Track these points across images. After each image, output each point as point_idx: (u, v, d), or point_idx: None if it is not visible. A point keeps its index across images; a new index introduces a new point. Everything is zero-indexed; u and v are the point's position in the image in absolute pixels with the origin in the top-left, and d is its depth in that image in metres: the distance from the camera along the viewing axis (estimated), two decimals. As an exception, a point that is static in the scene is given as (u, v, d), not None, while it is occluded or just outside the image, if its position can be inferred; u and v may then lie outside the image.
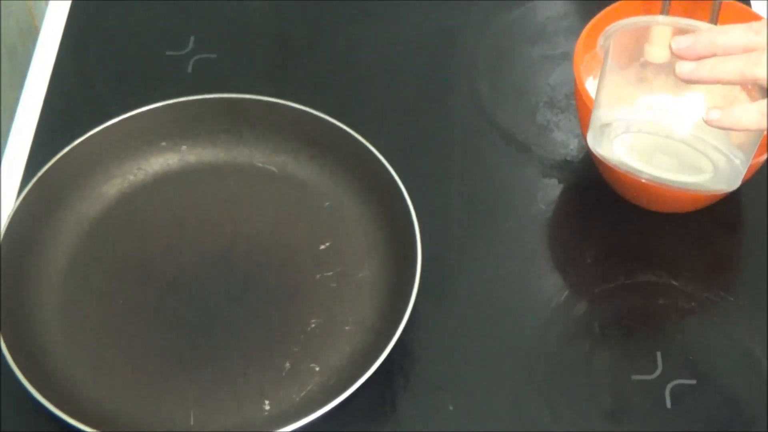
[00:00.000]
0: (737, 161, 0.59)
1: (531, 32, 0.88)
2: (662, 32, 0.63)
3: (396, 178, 0.72)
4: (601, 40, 0.64)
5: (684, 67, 0.57)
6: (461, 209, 0.77)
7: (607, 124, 0.61)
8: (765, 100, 0.56)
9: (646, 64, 0.64)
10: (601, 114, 0.61)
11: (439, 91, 0.84)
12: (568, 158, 0.80)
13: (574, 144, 0.81)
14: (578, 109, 0.74)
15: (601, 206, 0.77)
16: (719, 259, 0.74)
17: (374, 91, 0.84)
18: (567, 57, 0.85)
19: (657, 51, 0.64)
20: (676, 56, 0.58)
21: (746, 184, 0.72)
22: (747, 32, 0.56)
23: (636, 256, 0.74)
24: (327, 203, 0.75)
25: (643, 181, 0.64)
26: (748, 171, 0.63)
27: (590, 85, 0.75)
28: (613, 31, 0.63)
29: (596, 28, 0.72)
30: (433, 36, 0.87)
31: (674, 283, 0.73)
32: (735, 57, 0.56)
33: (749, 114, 0.56)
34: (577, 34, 0.73)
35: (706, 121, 0.57)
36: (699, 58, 0.57)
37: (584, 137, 0.70)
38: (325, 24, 0.87)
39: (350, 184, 0.76)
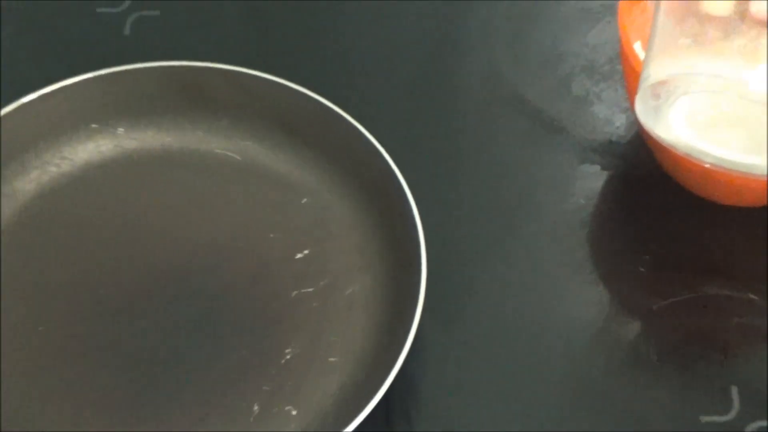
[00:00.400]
0: None
1: None
2: None
3: (394, 168, 0.72)
4: None
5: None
6: (476, 207, 0.77)
7: (661, 85, 0.60)
8: None
9: (705, 20, 0.62)
10: (652, 72, 0.60)
11: (449, 60, 0.84)
12: (614, 139, 0.79)
13: (620, 120, 0.80)
14: (625, 75, 0.74)
15: (657, 199, 0.76)
16: None
17: (368, 62, 0.84)
18: (609, 11, 0.85)
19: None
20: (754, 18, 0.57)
21: None
22: None
23: (703, 264, 0.74)
24: (304, 199, 0.75)
25: (707, 167, 0.64)
26: None
27: (639, 49, 0.75)
28: None
29: None
30: (443, 2, 0.87)
31: (753, 297, 0.73)
32: None
33: None
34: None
35: None
36: None
37: (632, 109, 0.69)
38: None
39: (335, 177, 0.75)
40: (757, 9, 0.56)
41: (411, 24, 0.86)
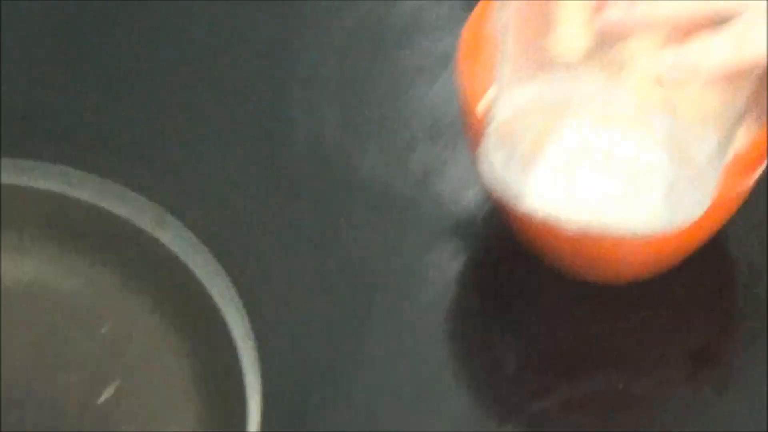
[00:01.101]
0: (701, 156, 0.58)
1: (394, 31, 0.87)
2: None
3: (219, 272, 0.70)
4: (495, 21, 0.63)
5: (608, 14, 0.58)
6: (319, 312, 0.75)
7: (509, 131, 0.60)
8: (740, 25, 0.56)
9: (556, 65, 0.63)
10: (497, 112, 0.61)
11: (270, 133, 0.82)
12: (467, 215, 0.78)
13: (472, 192, 0.79)
14: (470, 138, 0.71)
15: (522, 283, 0.75)
16: (699, 342, 0.74)
17: (169, 140, 0.81)
18: (448, 63, 0.82)
19: (569, 40, 0.62)
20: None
21: (734, 229, 0.73)
22: None
23: (580, 354, 0.73)
24: (104, 329, 0.71)
25: (571, 235, 0.62)
26: (733, 195, 0.65)
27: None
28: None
29: (488, 12, 0.71)
30: (257, 53, 0.86)
31: (638, 385, 0.72)
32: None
33: (718, 48, 0.55)
34: (460, 28, 0.72)
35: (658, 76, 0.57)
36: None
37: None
38: (90, 28, 0.86)
39: (142, 294, 0.71)
40: (605, 23, 0.58)
41: (222, 97, 0.85)
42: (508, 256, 0.75)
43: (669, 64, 0.58)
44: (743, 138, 0.64)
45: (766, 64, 0.58)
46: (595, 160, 0.61)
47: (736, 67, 0.57)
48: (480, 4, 0.72)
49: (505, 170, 0.61)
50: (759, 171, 0.67)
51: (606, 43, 0.61)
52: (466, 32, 0.71)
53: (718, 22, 0.59)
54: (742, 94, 0.60)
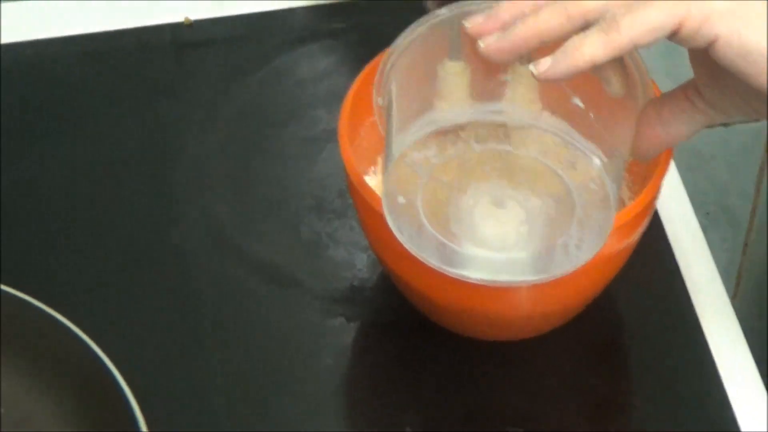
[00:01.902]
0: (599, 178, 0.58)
1: (277, 105, 0.87)
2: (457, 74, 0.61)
3: (107, 362, 0.67)
4: (378, 88, 0.63)
5: (489, 40, 0.58)
6: (212, 393, 0.73)
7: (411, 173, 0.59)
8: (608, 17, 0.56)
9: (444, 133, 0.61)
10: (395, 150, 0.60)
11: (155, 217, 0.81)
12: (356, 284, 0.77)
13: (361, 262, 0.78)
14: (357, 207, 0.71)
15: (415, 348, 0.75)
16: (598, 393, 0.74)
17: (48, 231, 0.80)
18: (333, 135, 0.80)
19: (452, 104, 0.61)
20: (483, 54, 0.58)
21: (623, 280, 0.72)
22: None
23: (479, 413, 0.72)
24: (2, 410, 0.69)
25: (472, 282, 0.62)
26: (619, 251, 0.67)
27: (374, 180, 0.75)
28: (390, 65, 0.62)
29: (367, 85, 0.69)
30: (139, 140, 0.85)
31: None
32: (552, 4, 0.56)
33: (589, 39, 0.56)
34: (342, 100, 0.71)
35: (537, 76, 0.57)
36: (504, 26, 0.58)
37: (372, 247, 0.73)
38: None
39: (35, 379, 0.70)
40: (486, 50, 0.58)
41: (105, 182, 0.84)
42: (402, 319, 0.75)
43: (547, 62, 0.57)
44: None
45: (631, 50, 0.57)
46: (493, 213, 0.62)
47: (606, 55, 0.57)
48: (360, 77, 0.72)
49: (413, 240, 0.62)
50: (643, 227, 0.68)
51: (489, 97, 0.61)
52: (346, 106, 0.71)
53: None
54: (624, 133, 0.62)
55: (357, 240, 0.79)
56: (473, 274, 0.62)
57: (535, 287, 0.67)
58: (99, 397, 0.68)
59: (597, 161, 0.58)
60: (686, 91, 0.59)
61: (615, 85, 0.60)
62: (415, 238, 0.62)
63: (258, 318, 0.77)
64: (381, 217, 0.65)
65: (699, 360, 0.73)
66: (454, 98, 0.62)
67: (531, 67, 0.57)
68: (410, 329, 0.75)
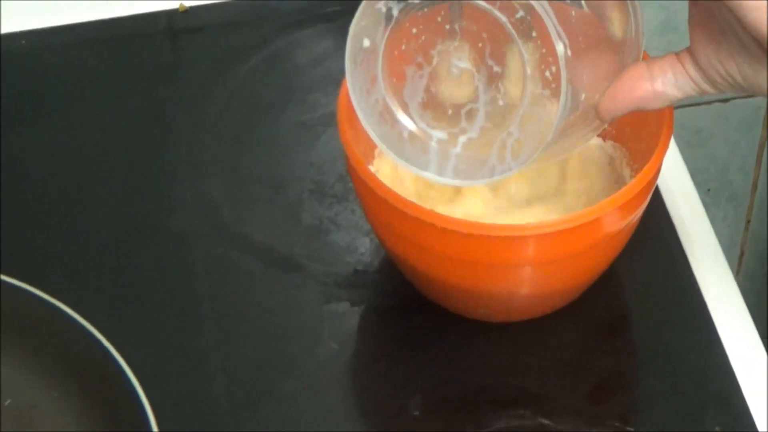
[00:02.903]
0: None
1: (273, 90, 0.87)
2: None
3: (110, 348, 0.68)
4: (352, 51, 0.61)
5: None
6: (217, 380, 0.73)
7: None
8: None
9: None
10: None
11: (152, 203, 0.81)
12: (359, 268, 0.78)
13: (363, 246, 0.78)
14: (359, 193, 0.71)
15: (420, 330, 0.75)
16: (600, 375, 0.73)
17: (45, 218, 0.81)
18: (331, 121, 0.83)
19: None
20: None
21: (628, 258, 0.73)
22: None
23: (485, 395, 0.72)
24: (8, 400, 0.69)
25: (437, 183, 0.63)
26: (622, 229, 0.66)
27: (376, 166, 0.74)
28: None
29: None
30: (135, 126, 0.86)
31: (546, 422, 0.71)
32: None
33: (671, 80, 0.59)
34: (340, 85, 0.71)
35: (599, 113, 0.59)
36: None
37: (372, 225, 0.72)
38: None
39: (41, 369, 0.70)
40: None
41: (92, 167, 0.84)
42: (405, 303, 0.75)
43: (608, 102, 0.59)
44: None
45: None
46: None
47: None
48: None
49: (362, 96, 0.62)
50: (644, 205, 0.69)
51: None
52: (344, 89, 0.70)
53: None
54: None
55: (359, 224, 0.79)
56: (396, 157, 0.62)
57: (538, 268, 0.68)
58: (103, 384, 0.68)
59: (561, 47, 0.58)
60: (679, 56, 0.60)
61: (615, 25, 0.61)
62: (365, 95, 0.62)
63: (260, 303, 0.77)
64: (384, 202, 0.66)
65: (704, 336, 0.74)
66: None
67: None
68: (415, 312, 0.75)
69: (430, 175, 0.62)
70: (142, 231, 0.80)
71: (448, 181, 0.62)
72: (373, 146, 0.74)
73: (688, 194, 0.81)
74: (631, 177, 0.73)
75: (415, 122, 0.63)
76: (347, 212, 0.80)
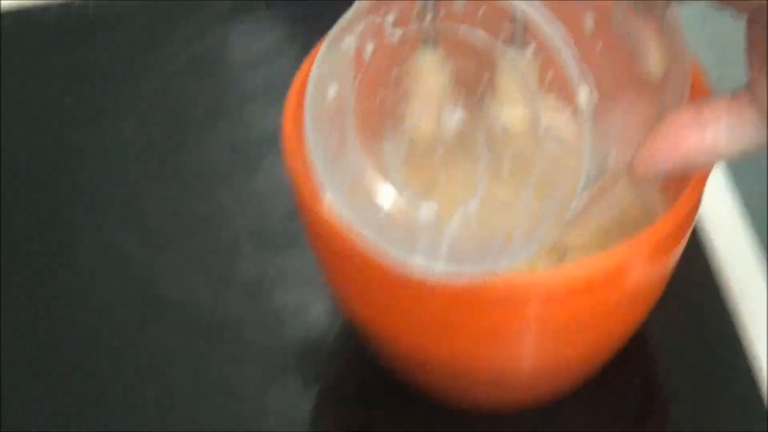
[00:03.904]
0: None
1: (198, 103, 0.88)
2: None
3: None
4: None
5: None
6: None
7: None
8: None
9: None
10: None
11: (48, 253, 0.83)
12: (312, 335, 0.79)
13: (318, 305, 0.80)
14: (310, 237, 0.71)
15: (393, 419, 0.75)
16: None
17: None
18: (274, 141, 0.80)
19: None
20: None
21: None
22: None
23: None
24: None
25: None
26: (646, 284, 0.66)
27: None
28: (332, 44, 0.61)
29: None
30: (24, 148, 0.87)
31: None
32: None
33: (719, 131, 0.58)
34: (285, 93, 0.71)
35: (633, 174, 0.59)
36: None
37: (324, 278, 0.72)
38: None
39: None
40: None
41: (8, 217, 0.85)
42: (371, 384, 0.76)
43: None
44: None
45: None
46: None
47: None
48: (308, 61, 0.72)
49: (327, 159, 0.62)
50: (680, 248, 0.69)
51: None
52: (292, 99, 0.71)
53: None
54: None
55: (311, 278, 0.80)
56: (377, 241, 0.62)
57: (544, 335, 0.68)
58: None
59: (585, 94, 0.57)
60: (737, 97, 0.60)
61: (652, 59, 0.60)
62: (331, 161, 0.62)
63: (182, 381, 0.77)
64: (343, 248, 0.66)
65: (758, 427, 0.74)
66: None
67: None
68: (383, 397, 0.76)
69: (418, 263, 0.62)
70: (32, 290, 0.81)
71: (439, 269, 0.62)
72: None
73: (740, 233, 0.81)
74: (665, 206, 0.73)
75: (396, 192, 0.63)
76: (296, 262, 0.81)
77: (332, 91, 0.61)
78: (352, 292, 0.70)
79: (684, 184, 0.67)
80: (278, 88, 0.79)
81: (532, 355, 0.70)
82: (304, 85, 0.70)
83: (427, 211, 0.62)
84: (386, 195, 0.63)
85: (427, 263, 0.61)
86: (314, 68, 0.60)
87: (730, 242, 0.81)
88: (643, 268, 0.67)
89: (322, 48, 0.60)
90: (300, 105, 0.70)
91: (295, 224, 0.80)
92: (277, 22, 0.91)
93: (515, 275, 0.67)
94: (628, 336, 0.72)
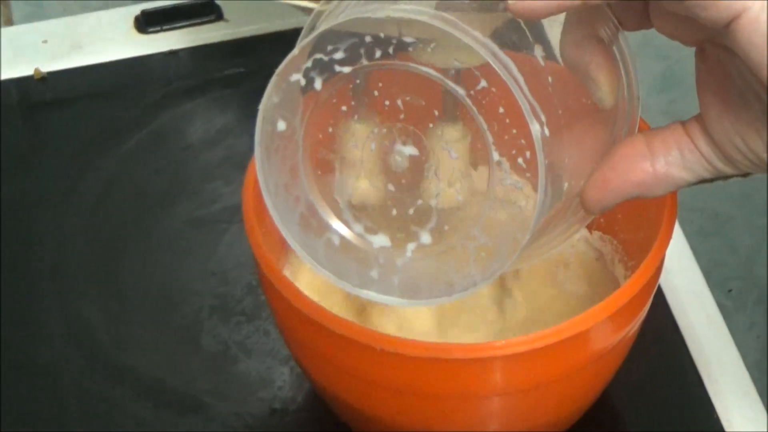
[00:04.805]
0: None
1: (159, 178, 0.88)
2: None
3: None
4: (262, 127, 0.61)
5: None
6: None
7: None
8: None
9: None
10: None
11: (7, 330, 0.82)
12: (277, 406, 0.78)
13: (282, 377, 0.79)
14: (273, 309, 0.71)
15: None
16: None
17: None
18: (235, 215, 0.84)
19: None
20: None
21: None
22: None
23: None
24: None
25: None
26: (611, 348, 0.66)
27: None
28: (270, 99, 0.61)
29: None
30: None
31: None
32: None
33: None
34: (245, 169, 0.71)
35: (511, 7, 0.56)
36: None
37: (292, 351, 0.71)
38: None
39: None
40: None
41: None
42: None
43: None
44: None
45: None
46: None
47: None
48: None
49: (277, 194, 0.62)
50: (642, 314, 0.69)
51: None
52: (251, 174, 0.71)
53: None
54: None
55: (275, 349, 0.80)
56: (326, 272, 0.62)
57: (509, 398, 0.68)
58: None
59: (537, 127, 0.57)
60: (687, 126, 0.59)
61: (603, 89, 0.60)
62: (281, 193, 0.62)
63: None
64: (306, 319, 0.66)
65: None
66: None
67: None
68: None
69: (370, 295, 0.62)
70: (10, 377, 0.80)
71: (393, 301, 0.62)
72: (290, 248, 0.74)
73: (701, 297, 0.82)
74: (626, 277, 0.73)
75: (348, 226, 0.63)
76: (259, 334, 0.81)
77: (282, 124, 0.61)
78: (314, 360, 0.70)
79: (644, 250, 0.68)
80: (237, 165, 0.80)
81: (498, 418, 0.70)
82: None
83: (378, 244, 0.62)
84: (336, 227, 0.63)
85: (380, 295, 0.62)
86: (263, 102, 0.61)
87: (694, 305, 0.81)
88: (606, 333, 0.67)
89: (271, 82, 0.60)
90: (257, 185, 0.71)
91: (256, 297, 0.82)
92: (233, 98, 0.91)
93: (481, 343, 0.67)
94: (592, 399, 0.72)
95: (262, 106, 0.61)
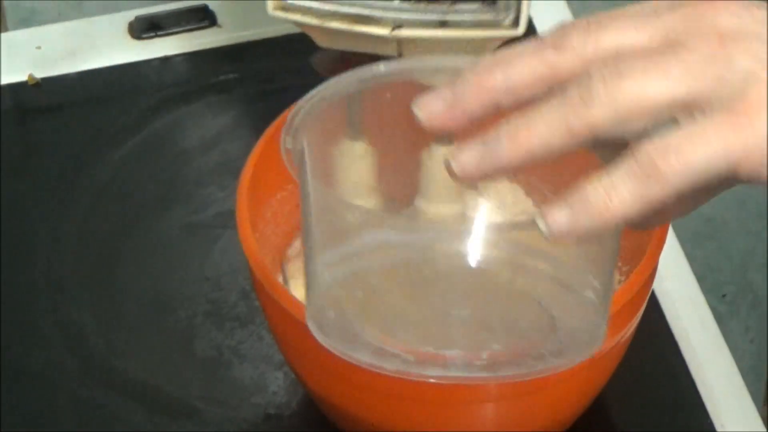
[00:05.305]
0: (590, 294, 0.57)
1: (153, 183, 0.88)
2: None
3: None
4: (286, 143, 0.61)
5: (464, 158, 0.55)
6: None
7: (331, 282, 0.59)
8: (624, 164, 0.54)
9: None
10: (320, 270, 0.59)
11: (3, 336, 0.81)
12: (271, 411, 0.78)
13: (276, 382, 0.79)
14: (267, 314, 0.72)
15: None
16: None
17: None
18: (229, 220, 0.80)
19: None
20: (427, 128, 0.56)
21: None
22: (543, 49, 0.54)
23: None
24: None
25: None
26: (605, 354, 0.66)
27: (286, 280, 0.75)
28: (301, 119, 0.60)
29: (272, 150, 0.67)
30: None
31: None
32: (548, 106, 0.54)
33: (625, 188, 0.54)
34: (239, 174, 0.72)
35: (549, 234, 0.54)
36: (472, 117, 0.55)
37: (288, 361, 0.71)
38: None
39: None
40: (459, 165, 0.55)
41: None
42: None
43: (561, 216, 0.54)
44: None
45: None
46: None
47: (641, 209, 0.55)
48: (260, 143, 0.73)
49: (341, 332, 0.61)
50: (636, 319, 0.69)
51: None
52: (245, 180, 0.71)
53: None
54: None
55: (269, 354, 0.80)
56: (422, 370, 0.61)
57: (504, 403, 0.68)
58: None
59: (591, 294, 0.57)
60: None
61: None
62: (349, 348, 0.62)
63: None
64: (299, 324, 0.66)
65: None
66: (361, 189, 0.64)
67: (540, 223, 0.55)
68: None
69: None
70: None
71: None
72: (284, 253, 0.75)
73: (695, 302, 0.82)
74: (620, 282, 0.73)
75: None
76: (253, 339, 0.81)
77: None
78: (307, 365, 0.70)
79: (638, 255, 0.68)
80: (230, 170, 0.80)
81: (493, 424, 0.71)
82: (257, 165, 0.72)
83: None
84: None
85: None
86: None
87: (687, 311, 0.81)
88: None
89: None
90: (253, 186, 0.71)
91: (250, 303, 0.82)
92: (226, 104, 0.91)
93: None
94: (585, 404, 0.73)
95: (308, 307, 0.61)
